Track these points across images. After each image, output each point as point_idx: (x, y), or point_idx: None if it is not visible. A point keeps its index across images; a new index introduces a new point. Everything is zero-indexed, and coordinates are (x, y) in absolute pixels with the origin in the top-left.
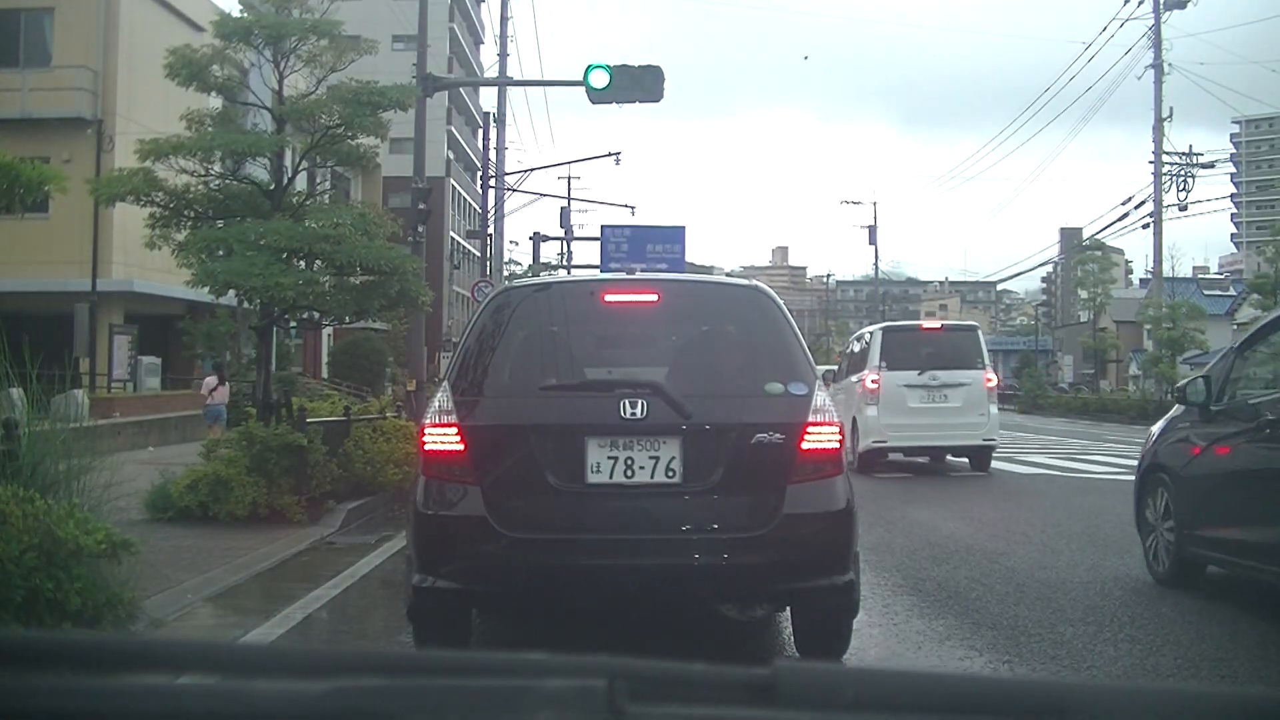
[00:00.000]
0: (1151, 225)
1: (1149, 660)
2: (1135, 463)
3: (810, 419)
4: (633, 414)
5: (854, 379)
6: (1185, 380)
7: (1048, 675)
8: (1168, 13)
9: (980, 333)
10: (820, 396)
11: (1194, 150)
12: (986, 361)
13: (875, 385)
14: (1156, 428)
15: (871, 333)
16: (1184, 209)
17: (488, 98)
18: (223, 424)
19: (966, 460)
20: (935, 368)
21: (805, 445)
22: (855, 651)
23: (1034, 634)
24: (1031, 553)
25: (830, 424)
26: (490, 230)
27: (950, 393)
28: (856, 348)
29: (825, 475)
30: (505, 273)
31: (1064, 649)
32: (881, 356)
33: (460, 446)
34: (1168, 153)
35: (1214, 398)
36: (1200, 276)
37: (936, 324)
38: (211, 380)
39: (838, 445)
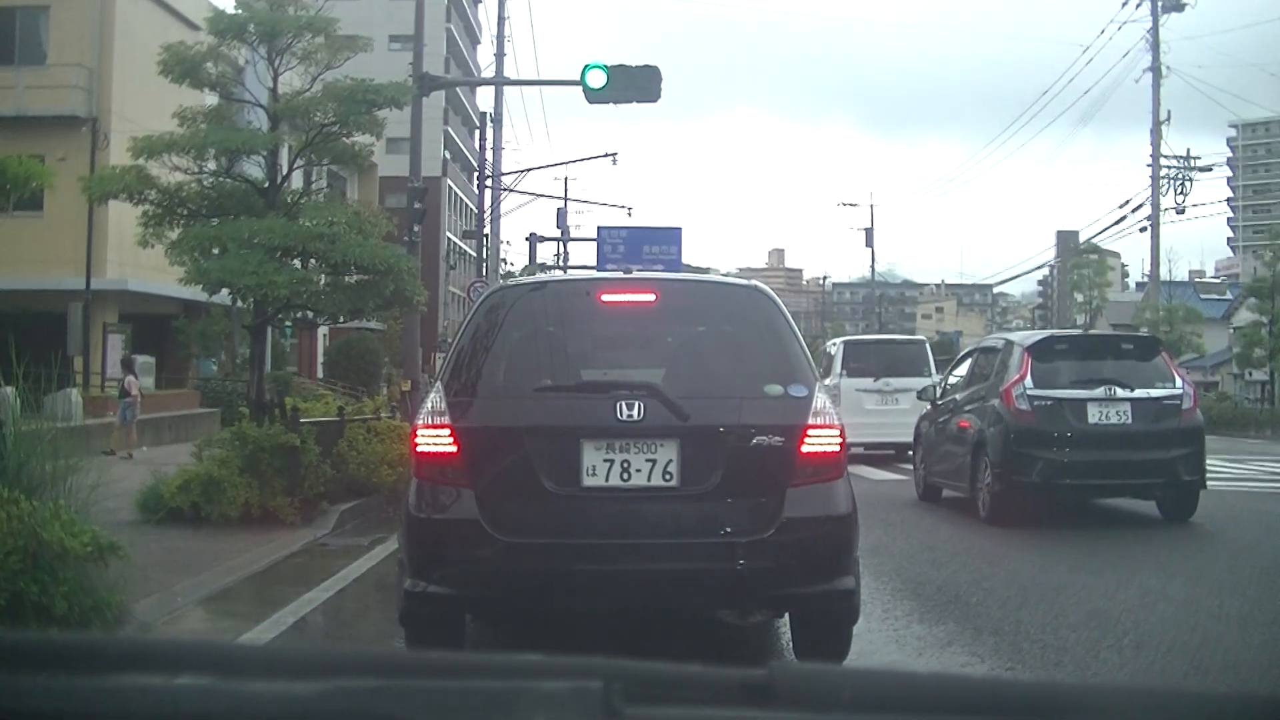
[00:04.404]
0: (1149, 228)
1: (1155, 664)
2: None
3: (810, 421)
4: (629, 416)
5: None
6: (924, 386)
7: (1044, 675)
8: (1165, 15)
9: (927, 345)
10: (821, 398)
11: (1191, 154)
12: (933, 370)
13: (836, 390)
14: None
15: (836, 344)
16: (1181, 212)
17: (485, 98)
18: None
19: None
20: (888, 375)
21: (805, 448)
22: (856, 658)
23: (1036, 639)
24: (1030, 555)
25: (831, 426)
26: (486, 230)
27: (901, 397)
28: (831, 353)
29: (826, 479)
30: (501, 273)
31: (1067, 654)
32: (843, 365)
33: (453, 449)
34: (1165, 156)
35: (936, 397)
36: (1197, 280)
37: (890, 338)
38: (133, 379)
39: (839, 448)
